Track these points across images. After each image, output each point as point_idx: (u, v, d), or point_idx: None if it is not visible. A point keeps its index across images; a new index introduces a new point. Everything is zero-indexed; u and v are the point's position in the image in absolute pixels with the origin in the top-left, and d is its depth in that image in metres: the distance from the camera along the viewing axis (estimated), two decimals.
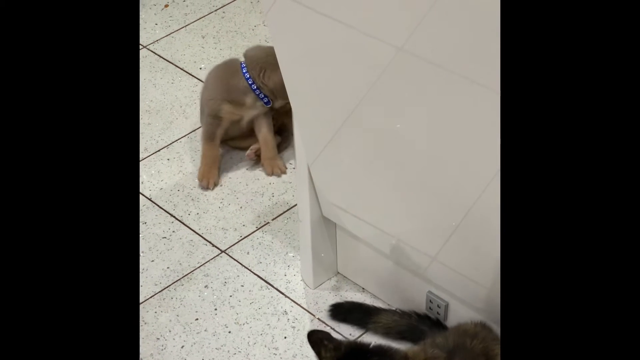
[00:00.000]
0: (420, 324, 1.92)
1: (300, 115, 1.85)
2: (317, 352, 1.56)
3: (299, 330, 2.01)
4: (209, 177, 2.33)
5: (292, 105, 1.85)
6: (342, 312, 2.00)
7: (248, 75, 2.27)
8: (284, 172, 2.35)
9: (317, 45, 1.70)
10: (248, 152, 2.37)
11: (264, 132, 2.33)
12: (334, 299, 2.07)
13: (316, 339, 1.56)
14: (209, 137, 2.32)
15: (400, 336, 1.94)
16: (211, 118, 2.29)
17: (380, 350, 1.57)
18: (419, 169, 1.72)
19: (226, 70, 2.34)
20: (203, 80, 2.63)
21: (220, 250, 2.18)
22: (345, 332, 1.99)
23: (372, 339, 1.95)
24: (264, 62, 2.26)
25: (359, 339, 1.70)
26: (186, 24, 2.84)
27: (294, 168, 2.37)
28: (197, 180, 2.35)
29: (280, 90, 2.23)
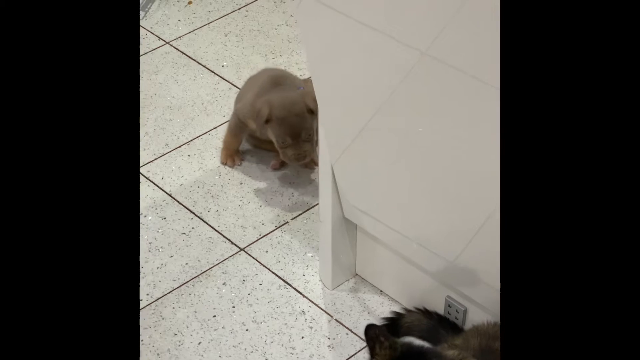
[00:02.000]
0: (440, 326, 1.92)
1: (325, 115, 1.85)
2: (371, 347, 1.55)
3: (316, 330, 2.01)
4: (234, 157, 2.36)
5: (318, 104, 1.85)
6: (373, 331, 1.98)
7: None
8: (317, 164, 2.33)
9: (343, 46, 1.70)
10: (273, 162, 2.38)
11: None
12: (351, 300, 2.07)
13: (373, 334, 1.55)
14: (232, 133, 2.32)
15: (419, 335, 1.94)
16: (238, 120, 2.30)
17: (436, 354, 1.56)
18: (440, 173, 1.72)
19: (265, 87, 2.31)
20: (225, 78, 2.64)
21: (239, 248, 2.18)
22: (363, 334, 1.98)
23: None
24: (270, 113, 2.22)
25: (414, 342, 1.69)
26: (209, 21, 2.84)
27: (314, 168, 2.37)
28: (217, 177, 2.35)
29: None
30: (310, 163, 2.35)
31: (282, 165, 2.38)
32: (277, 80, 2.33)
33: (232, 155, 2.38)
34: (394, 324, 1.97)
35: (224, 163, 2.38)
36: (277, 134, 2.20)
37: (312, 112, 2.19)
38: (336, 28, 1.67)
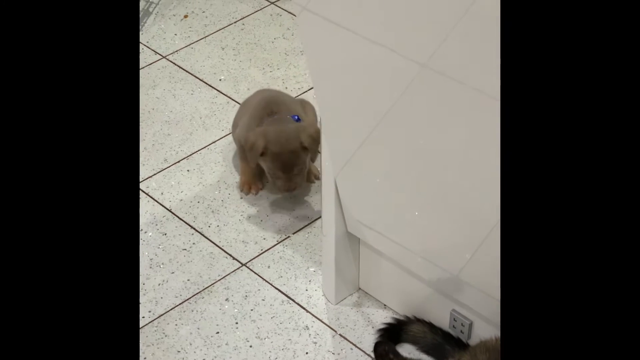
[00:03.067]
0: (445, 342, 1.91)
1: (327, 126, 1.84)
2: None
3: (320, 345, 1.99)
4: (250, 183, 2.34)
5: (320, 116, 1.84)
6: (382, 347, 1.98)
7: None
8: (318, 178, 2.33)
9: (343, 58, 1.70)
10: None
11: None
12: (355, 315, 2.05)
13: (382, 351, 1.54)
14: (242, 158, 2.31)
15: (425, 350, 1.93)
16: (240, 146, 2.29)
17: None
18: (443, 186, 1.71)
19: (258, 111, 2.31)
20: (223, 92, 2.62)
21: (240, 263, 2.17)
22: (368, 348, 1.97)
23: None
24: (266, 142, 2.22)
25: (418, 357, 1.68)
26: (206, 35, 2.83)
27: (314, 182, 2.36)
28: (217, 192, 2.34)
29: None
30: (310, 176, 2.34)
31: None
32: (271, 104, 2.32)
33: (249, 181, 2.34)
34: (399, 329, 1.95)
35: (241, 190, 2.35)
36: (269, 167, 2.23)
37: (306, 149, 2.20)
38: (336, 41, 1.66)
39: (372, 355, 1.96)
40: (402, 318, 1.98)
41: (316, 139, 2.20)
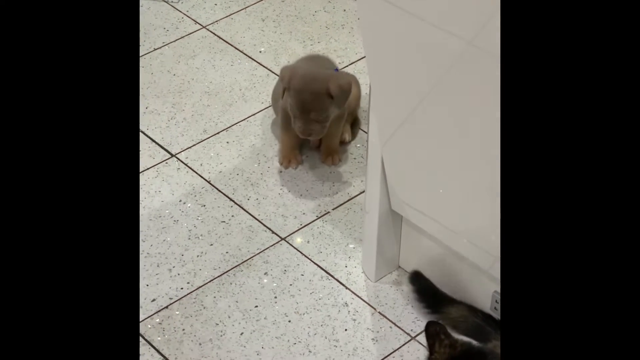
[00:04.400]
0: (486, 324, 1.89)
1: (377, 101, 1.82)
2: (431, 345, 1.53)
3: (359, 323, 1.98)
4: (290, 157, 2.31)
5: (371, 88, 1.82)
6: (418, 283, 1.96)
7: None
8: (335, 164, 2.32)
9: (395, 36, 1.69)
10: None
11: (331, 126, 2.28)
12: (395, 293, 2.04)
13: (433, 331, 1.53)
14: (284, 127, 2.29)
15: (465, 333, 1.91)
16: (284, 111, 2.26)
17: (495, 355, 1.54)
18: (487, 166, 1.69)
19: (301, 61, 2.31)
20: (263, 64, 2.60)
21: (280, 237, 2.16)
22: (407, 327, 1.96)
23: None
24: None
25: (473, 342, 1.67)
26: (246, 5, 2.80)
27: (354, 159, 2.35)
28: (256, 165, 2.32)
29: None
30: (334, 158, 2.31)
31: (320, 143, 2.34)
32: (314, 57, 2.32)
33: (289, 155, 2.31)
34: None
35: (281, 164, 2.32)
36: (291, 103, 2.18)
37: (331, 97, 2.15)
38: (390, 19, 1.65)
39: (411, 334, 1.95)
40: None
41: (345, 91, 2.16)
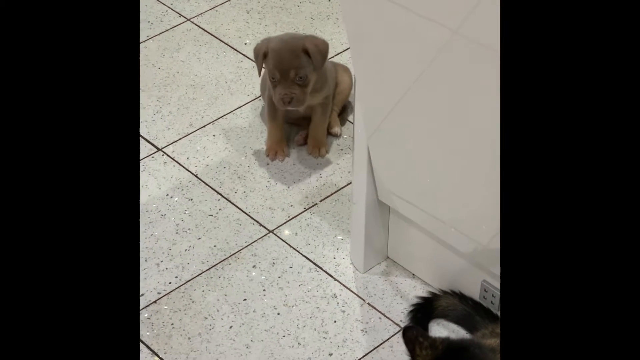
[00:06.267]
0: (475, 313, 1.89)
1: (362, 91, 1.81)
2: (412, 350, 1.51)
3: (348, 314, 1.98)
4: (276, 149, 2.30)
5: (355, 78, 1.81)
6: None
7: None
8: (322, 156, 2.31)
9: (378, 24, 1.68)
10: (297, 137, 2.35)
11: (317, 117, 2.28)
12: (384, 284, 2.04)
13: (411, 336, 1.51)
14: (271, 117, 2.28)
15: (456, 321, 1.91)
16: (269, 99, 2.25)
17: (477, 345, 1.53)
18: (475, 155, 1.69)
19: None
20: (248, 56, 2.59)
21: (268, 230, 2.15)
22: (396, 318, 1.96)
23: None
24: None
25: (451, 337, 1.66)
26: None
27: (341, 150, 2.34)
28: (243, 158, 2.31)
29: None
30: (321, 150, 2.30)
31: (306, 140, 2.34)
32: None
33: (275, 147, 2.31)
34: (429, 305, 1.94)
35: (267, 156, 2.31)
36: (269, 68, 2.16)
37: (308, 54, 2.14)
38: (374, 8, 1.64)
39: (400, 325, 1.95)
40: (429, 296, 1.96)
41: (321, 50, 2.16)
